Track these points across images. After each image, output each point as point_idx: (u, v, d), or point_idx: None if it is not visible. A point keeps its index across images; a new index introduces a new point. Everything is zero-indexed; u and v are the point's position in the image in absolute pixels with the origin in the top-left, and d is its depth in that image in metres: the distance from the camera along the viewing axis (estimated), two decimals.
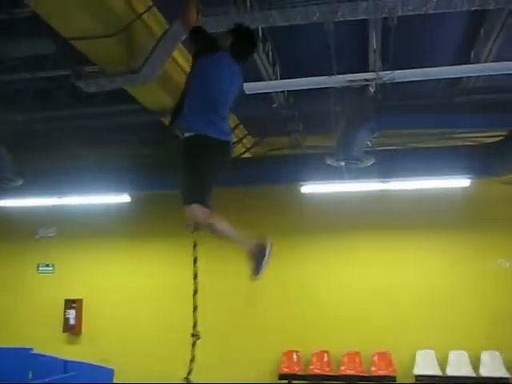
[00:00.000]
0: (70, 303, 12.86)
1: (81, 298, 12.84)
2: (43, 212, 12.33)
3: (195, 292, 3.81)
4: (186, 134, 3.83)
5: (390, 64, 6.68)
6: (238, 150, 9.74)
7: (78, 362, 8.49)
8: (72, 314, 12.80)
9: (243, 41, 4.10)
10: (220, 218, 3.77)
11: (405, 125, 7.58)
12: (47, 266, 13.37)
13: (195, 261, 3.87)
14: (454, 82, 8.37)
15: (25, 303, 12.98)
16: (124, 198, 10.98)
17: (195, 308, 3.80)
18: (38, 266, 13.38)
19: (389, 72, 5.80)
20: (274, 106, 7.42)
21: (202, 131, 3.75)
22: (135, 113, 8.60)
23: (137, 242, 12.36)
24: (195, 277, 3.87)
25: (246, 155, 10.09)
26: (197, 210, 3.64)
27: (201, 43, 4.12)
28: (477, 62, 7.37)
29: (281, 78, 7.78)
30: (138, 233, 12.21)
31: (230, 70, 3.98)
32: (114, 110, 8.85)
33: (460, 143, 9.65)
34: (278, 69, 7.72)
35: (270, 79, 7.46)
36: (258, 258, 3.64)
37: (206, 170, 3.74)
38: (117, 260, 12.74)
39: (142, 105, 7.91)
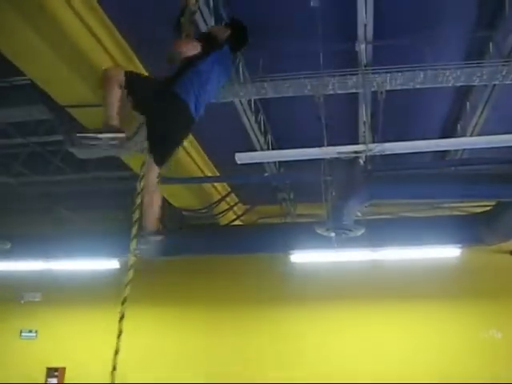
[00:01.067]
0: (51, 371, 12.45)
1: (64, 366, 12.45)
2: (29, 276, 12.13)
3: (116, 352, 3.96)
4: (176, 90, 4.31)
5: (379, 135, 6.84)
6: (229, 217, 9.77)
7: None
8: (54, 382, 12.38)
9: (239, 37, 4.78)
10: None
11: (394, 196, 7.67)
12: (30, 331, 13.02)
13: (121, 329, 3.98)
14: (442, 153, 8.54)
15: (5, 369, 12.56)
16: (113, 264, 10.86)
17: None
18: (21, 332, 13.05)
19: (378, 144, 5.93)
20: (266, 175, 7.51)
21: (187, 101, 4.29)
22: (127, 179, 8.65)
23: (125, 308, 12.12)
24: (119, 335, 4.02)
25: (237, 222, 10.10)
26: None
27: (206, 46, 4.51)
28: (463, 134, 7.56)
29: (273, 148, 7.92)
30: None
31: (224, 66, 4.66)
32: (106, 176, 8.92)
33: (449, 213, 9.73)
34: (269, 138, 7.85)
35: (262, 148, 7.58)
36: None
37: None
38: (103, 327, 12.35)
39: (133, 171, 7.95)
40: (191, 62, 4.40)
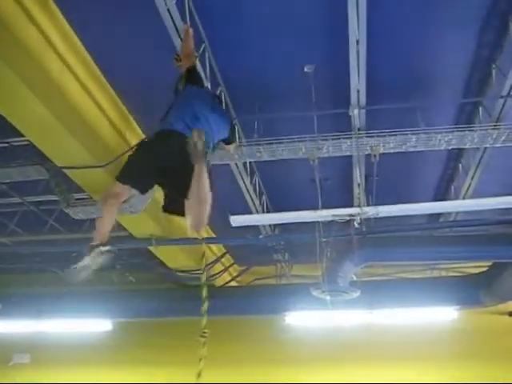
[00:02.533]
0: None
1: None
2: (19, 338, 11.89)
3: None
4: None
5: (373, 198, 6.90)
6: (224, 278, 9.71)
7: None
8: None
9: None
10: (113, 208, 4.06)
11: (389, 258, 7.68)
12: None
13: None
14: (437, 214, 8.59)
15: None
16: (105, 326, 10.69)
17: None
18: None
19: (373, 207, 5.97)
20: (261, 237, 7.53)
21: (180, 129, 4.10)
22: (121, 239, 8.62)
23: (117, 371, 11.82)
24: None
25: (232, 284, 10.03)
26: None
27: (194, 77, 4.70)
28: (457, 196, 7.64)
29: (267, 209, 7.96)
30: (118, 362, 11.71)
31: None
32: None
33: (445, 274, 9.70)
34: (264, 199, 7.90)
35: (257, 210, 7.62)
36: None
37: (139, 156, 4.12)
38: None
39: (127, 231, 7.95)
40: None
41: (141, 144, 4.48)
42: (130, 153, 4.35)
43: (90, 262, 3.96)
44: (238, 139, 5.20)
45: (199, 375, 3.82)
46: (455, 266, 9.80)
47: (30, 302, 10.04)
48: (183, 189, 3.75)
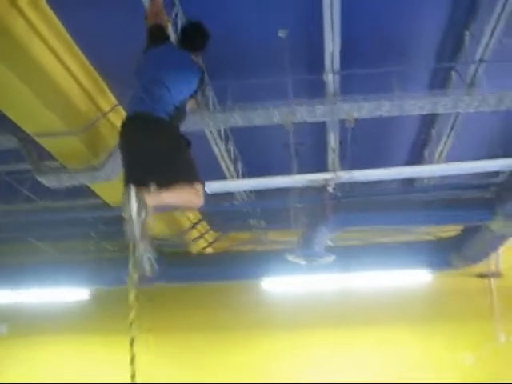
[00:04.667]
0: None
1: None
2: None
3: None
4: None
5: (348, 163, 6.94)
6: (200, 245, 9.73)
7: None
8: None
9: (189, 36, 4.20)
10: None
11: (363, 223, 7.77)
12: None
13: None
14: (410, 180, 8.69)
15: None
16: (82, 295, 10.70)
17: None
18: None
19: (347, 172, 6.01)
20: (236, 203, 7.53)
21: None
22: (96, 207, 8.57)
23: (95, 340, 11.88)
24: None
25: (208, 250, 10.07)
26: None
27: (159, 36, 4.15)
28: (430, 161, 7.73)
29: (243, 175, 7.95)
30: (95, 330, 11.75)
31: (171, 54, 4.07)
32: (75, 205, 8.82)
33: (418, 238, 9.86)
34: (239, 166, 7.90)
35: (232, 176, 7.61)
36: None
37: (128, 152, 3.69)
38: (72, 359, 12.16)
39: (103, 200, 7.90)
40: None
41: (121, 137, 3.75)
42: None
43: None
44: (203, 89, 4.83)
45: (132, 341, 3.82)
46: (428, 230, 9.97)
47: (7, 272, 9.98)
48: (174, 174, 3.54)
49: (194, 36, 4.22)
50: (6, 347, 12.39)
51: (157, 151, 3.57)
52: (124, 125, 3.74)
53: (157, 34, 4.15)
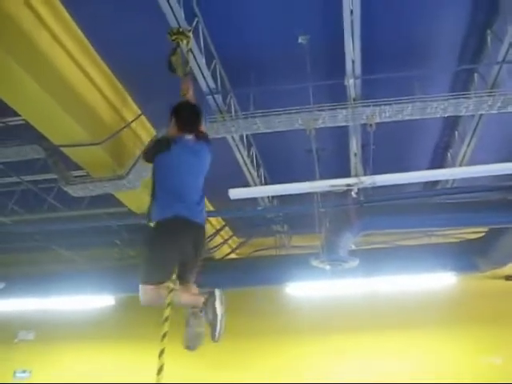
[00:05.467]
0: None
1: None
2: (23, 315, 12.02)
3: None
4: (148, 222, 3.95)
5: (370, 167, 6.92)
6: (224, 250, 9.77)
7: None
8: None
9: (185, 118, 4.16)
10: (175, 291, 3.92)
11: (387, 226, 7.74)
12: (24, 372, 12.81)
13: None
14: (433, 182, 8.63)
15: None
16: (108, 301, 10.80)
17: None
18: (15, 373, 12.83)
19: (369, 177, 6.00)
20: (259, 208, 7.55)
21: (161, 216, 3.86)
22: (121, 215, 8.67)
23: (120, 345, 11.98)
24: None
25: (232, 256, 10.10)
26: (144, 290, 3.92)
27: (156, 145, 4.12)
28: (453, 163, 7.67)
29: (265, 181, 7.98)
30: (121, 336, 11.86)
31: (194, 153, 4.08)
32: (100, 213, 8.93)
33: (442, 240, 9.78)
34: (262, 172, 7.92)
35: (255, 182, 7.63)
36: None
37: (159, 251, 3.87)
38: (98, 365, 12.28)
39: (127, 207, 7.99)
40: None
41: (156, 236, 3.93)
42: (147, 250, 3.98)
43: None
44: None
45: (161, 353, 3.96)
46: (452, 232, 9.88)
47: (33, 280, 10.12)
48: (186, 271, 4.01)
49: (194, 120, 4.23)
50: (34, 353, 12.58)
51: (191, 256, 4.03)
52: (166, 224, 3.90)
53: (155, 141, 4.25)
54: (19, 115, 5.72)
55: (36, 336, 12.61)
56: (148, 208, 3.95)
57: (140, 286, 3.90)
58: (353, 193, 6.09)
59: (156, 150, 4.02)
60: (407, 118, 6.01)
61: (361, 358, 11.29)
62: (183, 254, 3.90)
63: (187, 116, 4.17)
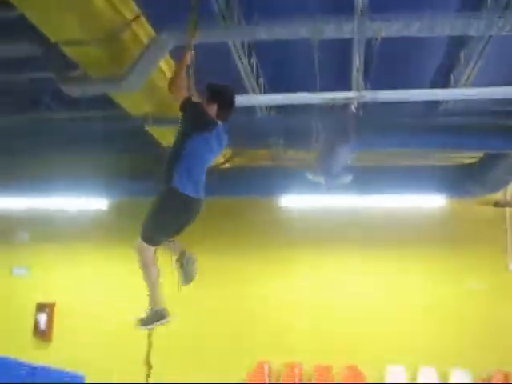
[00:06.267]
0: (41, 307, 12.70)
1: (53, 303, 12.69)
2: (19, 215, 12.21)
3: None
4: (171, 185, 4.04)
5: (371, 84, 6.82)
6: (218, 160, 9.76)
7: (47, 368, 8.35)
8: (43, 318, 12.63)
9: (227, 108, 4.29)
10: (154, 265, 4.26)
11: (384, 144, 7.73)
12: (21, 268, 13.18)
13: None
14: (433, 104, 8.54)
15: None
16: (101, 204, 10.96)
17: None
18: (12, 269, 13.20)
19: (370, 91, 5.92)
20: (257, 118, 7.46)
21: (185, 191, 4.02)
22: (117, 119, 8.59)
23: (112, 247, 12.24)
24: None
25: (226, 166, 10.10)
26: (142, 247, 4.16)
27: (197, 120, 4.14)
28: (456, 85, 7.56)
29: (264, 91, 7.86)
30: (113, 238, 12.08)
31: (219, 142, 4.27)
32: (96, 116, 8.84)
33: (437, 163, 9.83)
34: (261, 81, 7.79)
35: (254, 91, 7.52)
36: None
37: (171, 220, 4.15)
38: (92, 264, 12.62)
39: (124, 111, 7.89)
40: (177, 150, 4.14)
41: (174, 206, 4.13)
42: (161, 212, 4.16)
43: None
44: None
45: None
46: (448, 155, 9.93)
47: (28, 180, 10.19)
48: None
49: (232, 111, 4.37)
50: (32, 252, 12.88)
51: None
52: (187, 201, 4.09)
53: (204, 116, 4.16)
54: (15, 7, 5.51)
55: (32, 235, 12.85)
56: (168, 171, 4.04)
57: (140, 240, 4.15)
58: (352, 107, 6.04)
59: (200, 126, 4.07)
60: (414, 34, 5.85)
61: (348, 272, 11.67)
62: (185, 227, 4.23)
63: (229, 105, 4.30)
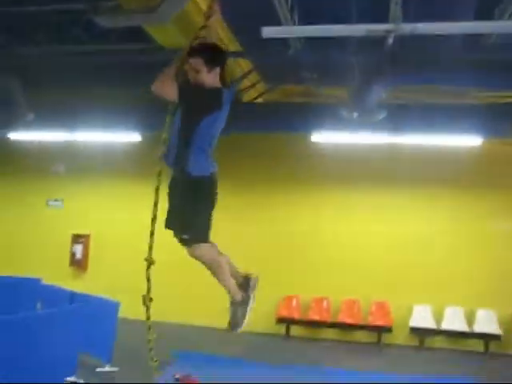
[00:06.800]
0: (77, 238, 13.11)
1: (88, 234, 13.07)
2: (54, 148, 12.43)
3: (153, 219, 3.91)
4: (197, 173, 3.72)
5: (410, 18, 6.56)
6: (251, 95, 9.67)
7: (84, 294, 8.70)
8: (79, 248, 13.07)
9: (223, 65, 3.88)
10: (221, 255, 3.92)
11: (420, 80, 7.52)
12: (56, 200, 13.53)
13: (157, 189, 3.88)
14: (474, 38, 8.21)
15: (33, 236, 13.23)
16: (135, 137, 11.05)
17: (152, 233, 3.91)
18: (48, 201, 13.55)
19: (409, 24, 5.70)
20: (290, 52, 7.29)
21: (211, 170, 3.78)
22: (149, 51, 8.50)
23: (145, 179, 12.35)
24: (155, 204, 3.93)
25: (259, 101, 10.01)
26: (201, 250, 3.75)
27: (203, 104, 3.73)
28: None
29: (298, 23, 7.64)
30: (146, 170, 12.18)
31: (225, 111, 3.86)
32: (128, 49, 8.77)
33: (474, 101, 9.55)
34: (296, 14, 7.57)
35: (287, 22, 7.33)
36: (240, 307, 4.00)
37: (211, 204, 3.80)
38: (125, 197, 12.84)
39: (157, 44, 7.81)
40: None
41: (212, 192, 3.81)
42: (205, 205, 3.78)
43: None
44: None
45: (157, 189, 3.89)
46: (486, 94, 9.63)
47: (62, 113, 10.27)
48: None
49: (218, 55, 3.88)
50: (66, 184, 13.19)
51: None
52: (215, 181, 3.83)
53: (209, 97, 3.75)
54: None
55: (67, 168, 13.10)
56: (184, 157, 3.71)
57: (196, 246, 3.74)
58: (390, 40, 5.85)
59: (207, 110, 3.68)
60: None
61: (377, 209, 11.67)
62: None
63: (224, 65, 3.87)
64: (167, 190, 3.90)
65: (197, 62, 3.70)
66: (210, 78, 3.73)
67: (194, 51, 3.76)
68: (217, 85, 3.78)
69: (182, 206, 3.73)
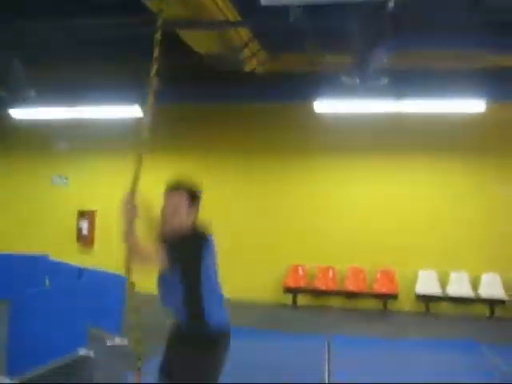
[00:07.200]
0: (83, 214, 13.18)
1: (94, 210, 13.12)
2: (57, 124, 12.40)
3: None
4: (205, 331, 3.37)
5: None
6: (252, 64, 9.58)
7: (92, 270, 8.77)
8: (85, 224, 13.14)
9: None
10: None
11: (423, 45, 7.43)
12: (61, 177, 13.55)
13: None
14: (476, 2, 8.09)
15: (39, 213, 13.31)
16: (137, 113, 11.01)
17: None
18: (52, 178, 13.58)
19: None
20: (290, 20, 7.20)
21: (217, 323, 3.41)
22: (148, 24, 8.41)
23: (151, 155, 12.36)
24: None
25: (259, 70, 9.92)
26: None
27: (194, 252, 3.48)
28: None
29: None
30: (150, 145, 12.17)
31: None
32: (127, 22, 8.68)
33: (477, 65, 9.44)
34: None
35: None
36: None
37: (220, 367, 3.42)
38: (130, 173, 12.82)
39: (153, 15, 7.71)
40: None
41: (215, 359, 3.40)
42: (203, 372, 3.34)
43: None
44: None
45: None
46: (490, 58, 9.51)
47: (63, 88, 10.26)
48: None
49: None
50: (71, 161, 13.21)
51: None
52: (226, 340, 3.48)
53: (196, 243, 3.52)
54: None
55: (71, 145, 13.09)
56: (193, 315, 3.39)
57: None
58: (391, 3, 5.77)
59: (200, 252, 3.43)
60: None
61: (382, 177, 11.67)
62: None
63: None
64: None
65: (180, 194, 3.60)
66: (191, 213, 3.61)
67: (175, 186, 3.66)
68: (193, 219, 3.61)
69: None
